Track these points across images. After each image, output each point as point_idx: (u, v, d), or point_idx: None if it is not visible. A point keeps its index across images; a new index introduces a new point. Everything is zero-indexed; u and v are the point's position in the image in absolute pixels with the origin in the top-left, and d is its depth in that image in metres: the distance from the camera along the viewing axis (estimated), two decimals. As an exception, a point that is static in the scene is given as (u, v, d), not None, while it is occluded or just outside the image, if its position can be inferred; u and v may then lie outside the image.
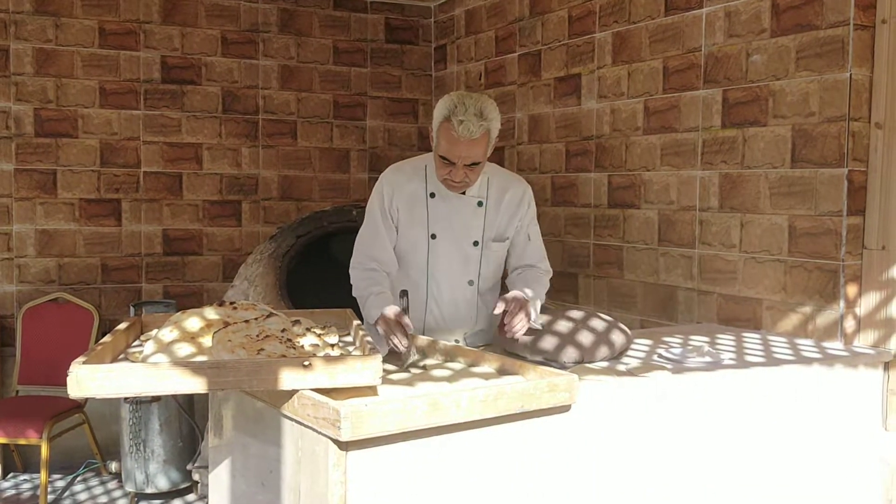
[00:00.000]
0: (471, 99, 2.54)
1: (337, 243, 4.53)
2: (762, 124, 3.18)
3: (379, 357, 1.86)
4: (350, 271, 2.75)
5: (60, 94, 4.65)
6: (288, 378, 1.78)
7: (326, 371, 1.80)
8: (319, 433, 1.74)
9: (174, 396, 4.05)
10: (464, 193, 2.75)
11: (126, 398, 4.01)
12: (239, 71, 5.03)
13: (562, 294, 4.31)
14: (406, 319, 2.38)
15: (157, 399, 4.03)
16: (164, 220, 4.92)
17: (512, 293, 2.58)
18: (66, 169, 4.68)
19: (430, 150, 2.73)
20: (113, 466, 4.33)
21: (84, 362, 1.77)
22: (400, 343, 2.35)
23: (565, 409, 2.04)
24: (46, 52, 4.61)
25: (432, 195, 2.75)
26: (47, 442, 3.94)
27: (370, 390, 1.92)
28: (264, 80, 5.11)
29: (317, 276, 4.51)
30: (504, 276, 2.96)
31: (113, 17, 4.72)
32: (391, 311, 2.44)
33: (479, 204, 2.77)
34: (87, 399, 4.31)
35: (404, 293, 2.48)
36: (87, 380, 1.70)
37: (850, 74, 2.87)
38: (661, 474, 2.35)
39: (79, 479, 4.39)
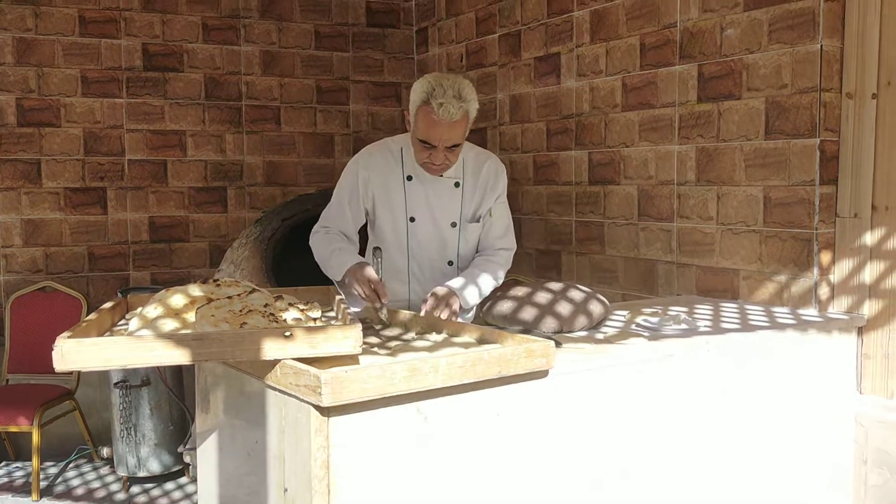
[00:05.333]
0: (448, 80, 2.54)
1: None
2: (736, 97, 3.23)
3: (359, 326, 1.90)
4: (311, 238, 2.79)
5: (42, 83, 4.65)
6: (270, 348, 1.83)
7: (307, 341, 1.84)
8: (302, 400, 1.79)
9: (164, 380, 4.09)
10: (440, 175, 2.75)
11: (116, 382, 4.04)
12: (221, 57, 5.04)
13: (546, 271, 4.37)
14: (376, 277, 2.45)
15: (146, 383, 4.06)
16: (149, 208, 4.94)
17: (441, 290, 2.59)
18: (49, 158, 4.69)
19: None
20: (104, 452, 4.36)
21: (69, 337, 1.80)
22: (370, 299, 2.43)
23: (543, 374, 2.09)
24: (27, 41, 4.61)
25: (409, 178, 2.76)
26: (38, 429, 3.98)
27: (352, 360, 1.96)
28: (246, 66, 5.12)
29: (302, 258, 4.54)
30: None
31: (93, 5, 4.72)
32: (361, 269, 2.50)
33: (456, 185, 2.78)
34: (77, 385, 4.35)
35: (377, 250, 2.53)
36: (72, 353, 1.74)
37: (821, 46, 2.92)
38: (640, 439, 2.40)
39: (71, 465, 4.43)
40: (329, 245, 2.70)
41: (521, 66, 4.49)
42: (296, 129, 5.28)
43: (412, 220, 2.77)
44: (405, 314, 2.54)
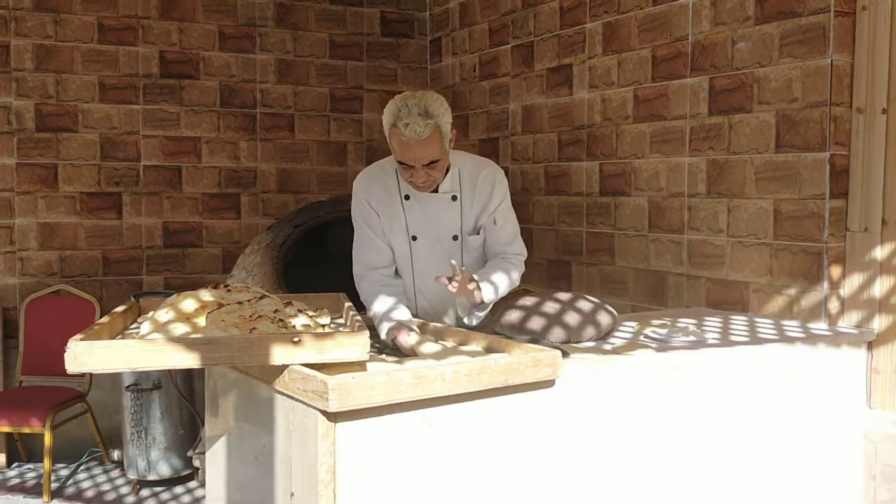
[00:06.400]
0: (414, 99, 2.49)
1: (334, 233, 4.60)
2: (747, 111, 3.24)
3: (367, 333, 1.92)
4: (356, 285, 2.75)
5: (60, 89, 4.71)
6: (279, 353, 1.85)
7: (315, 346, 1.87)
8: (309, 406, 1.81)
9: (175, 384, 4.12)
10: (436, 191, 2.72)
11: (127, 386, 4.08)
12: (236, 65, 5.10)
13: (556, 281, 4.38)
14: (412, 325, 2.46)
15: (158, 387, 4.10)
16: (164, 213, 4.98)
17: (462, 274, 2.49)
18: (66, 163, 4.75)
19: None
20: (115, 455, 4.40)
21: (82, 339, 1.83)
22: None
23: (549, 384, 2.11)
24: (46, 47, 4.67)
25: (407, 198, 2.73)
26: (50, 431, 4.02)
27: (359, 367, 1.99)
28: (262, 74, 5.17)
29: (315, 265, 4.58)
30: None
31: (111, 13, 4.78)
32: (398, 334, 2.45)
33: (454, 198, 2.75)
34: (89, 388, 4.40)
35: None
36: (84, 355, 1.77)
37: (832, 60, 2.93)
38: (646, 450, 2.41)
39: (82, 467, 4.46)
40: (374, 307, 2.62)
41: (533, 77, 4.52)
42: (309, 137, 5.32)
43: (414, 238, 2.76)
44: (414, 321, 2.56)
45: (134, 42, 4.85)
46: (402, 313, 2.53)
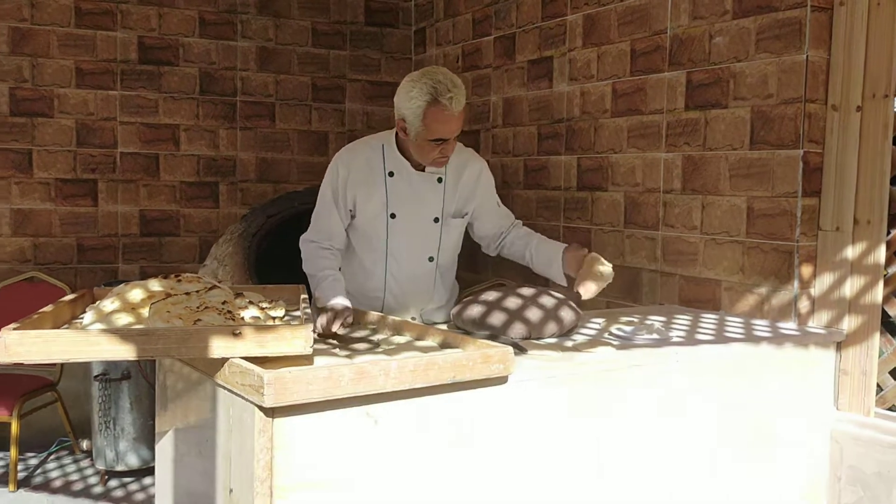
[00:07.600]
0: (440, 75, 2.57)
1: (309, 224, 4.54)
2: (723, 106, 3.19)
3: (310, 326, 1.87)
4: (301, 244, 2.80)
5: (36, 73, 4.65)
6: (217, 346, 1.80)
7: (256, 339, 1.82)
8: (247, 400, 1.76)
9: (144, 375, 4.08)
10: (423, 170, 2.75)
11: (95, 375, 4.04)
12: (217, 52, 5.03)
13: (533, 276, 4.31)
14: (349, 320, 2.39)
15: (127, 377, 4.05)
16: (140, 201, 4.93)
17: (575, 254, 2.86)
18: (41, 149, 4.69)
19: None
20: (84, 444, 4.36)
21: (16, 328, 1.79)
22: (326, 326, 2.35)
23: (502, 380, 2.06)
24: (22, 31, 4.61)
25: (391, 174, 2.76)
26: (18, 419, 3.97)
27: (306, 360, 1.94)
28: (242, 62, 5.11)
29: (289, 256, 4.53)
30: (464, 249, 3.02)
31: (89, -3, 4.73)
32: (341, 304, 2.45)
33: (439, 180, 2.79)
34: (59, 377, 4.35)
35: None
36: (15, 345, 1.72)
37: (807, 56, 2.88)
38: (602, 449, 2.36)
39: (51, 457, 4.42)
40: (321, 269, 2.68)
41: (514, 69, 4.46)
42: (290, 127, 5.26)
43: (392, 216, 2.77)
44: (373, 315, 2.52)
45: (112, 27, 4.79)
46: (342, 298, 2.53)
